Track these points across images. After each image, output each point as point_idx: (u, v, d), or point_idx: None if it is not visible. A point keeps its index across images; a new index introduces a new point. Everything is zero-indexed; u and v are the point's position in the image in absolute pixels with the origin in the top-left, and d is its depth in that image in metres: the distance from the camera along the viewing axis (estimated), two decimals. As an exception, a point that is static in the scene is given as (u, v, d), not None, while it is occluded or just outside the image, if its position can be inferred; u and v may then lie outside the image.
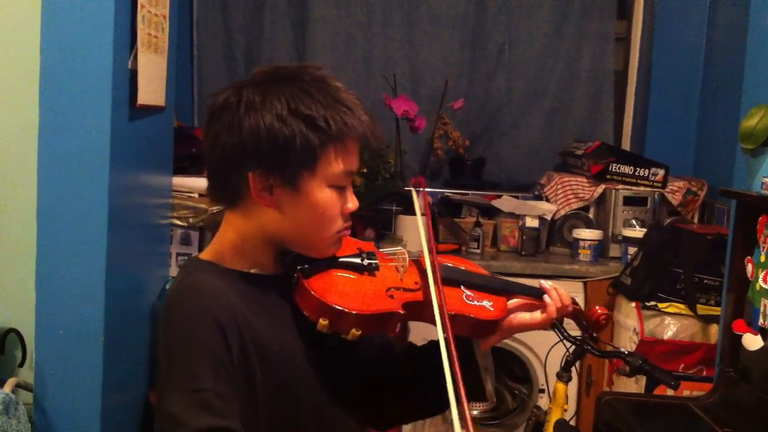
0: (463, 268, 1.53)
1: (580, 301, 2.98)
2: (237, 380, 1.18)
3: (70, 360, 2.14)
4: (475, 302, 1.43)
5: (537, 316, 1.50)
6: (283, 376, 1.27)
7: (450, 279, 1.43)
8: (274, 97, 1.25)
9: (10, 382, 2.10)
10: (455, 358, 1.19)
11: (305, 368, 1.30)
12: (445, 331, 1.25)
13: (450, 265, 1.51)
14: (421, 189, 1.60)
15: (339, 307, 1.26)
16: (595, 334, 1.84)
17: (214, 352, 1.17)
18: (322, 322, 1.26)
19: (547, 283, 1.52)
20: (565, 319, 1.72)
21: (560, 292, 1.52)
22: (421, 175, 1.77)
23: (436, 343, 1.23)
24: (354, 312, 1.26)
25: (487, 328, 1.44)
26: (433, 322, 1.30)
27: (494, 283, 1.52)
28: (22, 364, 2.18)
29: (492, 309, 1.44)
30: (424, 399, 1.44)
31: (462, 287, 1.46)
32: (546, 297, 1.50)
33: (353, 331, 1.26)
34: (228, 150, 1.26)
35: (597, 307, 1.74)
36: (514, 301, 1.51)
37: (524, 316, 1.49)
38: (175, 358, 1.17)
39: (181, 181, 2.82)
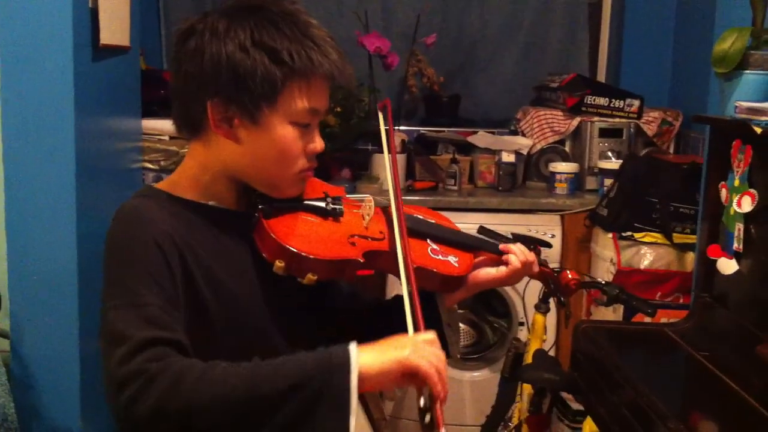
0: (433, 221, 1.51)
1: (558, 234, 2.99)
2: (178, 299, 1.16)
3: (45, 306, 2.13)
4: (440, 257, 1.42)
5: (503, 270, 1.48)
6: (236, 309, 1.25)
7: (417, 231, 1.42)
8: (239, 26, 1.22)
9: (-15, 331, 2.09)
10: (418, 312, 1.18)
11: (261, 308, 1.29)
12: (409, 283, 1.24)
13: (420, 216, 1.49)
14: (386, 107, 1.57)
15: (295, 250, 1.24)
16: (563, 299, 1.83)
17: (152, 270, 1.15)
18: (278, 264, 1.24)
19: (511, 246, 1.50)
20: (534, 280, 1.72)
21: (523, 250, 1.50)
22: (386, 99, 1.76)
23: (401, 297, 1.23)
24: (311, 256, 1.24)
25: (451, 284, 1.43)
26: (395, 274, 1.29)
27: (462, 239, 1.50)
28: (-4, 312, 2.16)
29: (457, 265, 1.43)
30: None
31: (428, 240, 1.44)
32: (509, 256, 1.48)
33: (309, 275, 1.25)
34: (189, 77, 1.24)
35: (568, 271, 1.71)
36: (480, 257, 1.50)
37: (490, 271, 1.48)
38: (114, 276, 1.16)
39: (150, 124, 2.77)
